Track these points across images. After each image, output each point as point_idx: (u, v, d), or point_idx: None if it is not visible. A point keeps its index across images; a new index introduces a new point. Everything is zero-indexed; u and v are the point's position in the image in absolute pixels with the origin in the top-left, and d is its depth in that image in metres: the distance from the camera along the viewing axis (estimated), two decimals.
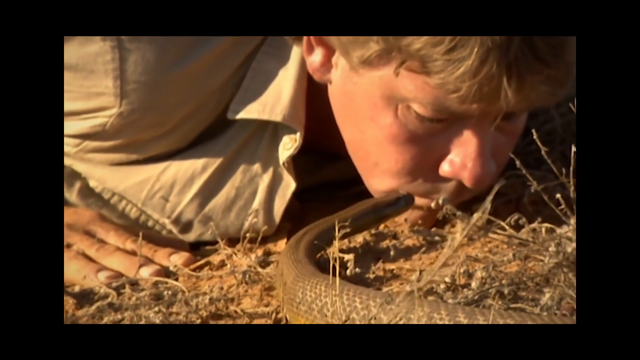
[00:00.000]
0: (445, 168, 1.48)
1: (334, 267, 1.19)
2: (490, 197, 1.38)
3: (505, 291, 1.29)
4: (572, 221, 1.32)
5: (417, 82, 1.41)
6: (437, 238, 1.48)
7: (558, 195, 1.31)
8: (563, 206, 1.31)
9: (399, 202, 1.48)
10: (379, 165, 1.50)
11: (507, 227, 1.43)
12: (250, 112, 1.54)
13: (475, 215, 1.20)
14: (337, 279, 1.15)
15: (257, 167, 1.58)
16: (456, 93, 1.39)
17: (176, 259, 1.51)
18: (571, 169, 1.29)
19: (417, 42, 1.37)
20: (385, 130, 1.47)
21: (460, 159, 1.46)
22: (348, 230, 1.37)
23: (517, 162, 1.41)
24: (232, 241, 1.57)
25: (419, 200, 1.50)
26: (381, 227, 1.57)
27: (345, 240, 1.51)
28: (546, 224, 1.44)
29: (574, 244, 1.29)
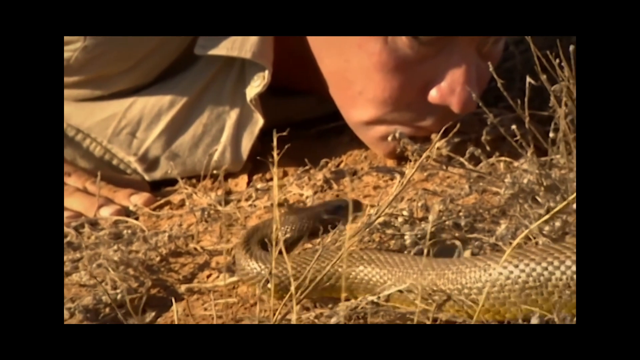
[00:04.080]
0: (433, 94, 1.48)
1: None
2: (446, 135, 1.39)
3: (462, 223, 1.30)
4: (529, 153, 1.33)
5: None
6: (395, 174, 1.49)
7: (513, 127, 1.31)
8: (518, 137, 1.31)
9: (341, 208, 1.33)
10: (363, 94, 1.49)
11: (465, 163, 1.45)
12: (219, 48, 1.53)
13: (427, 150, 1.20)
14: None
15: (224, 103, 1.57)
16: None
17: (136, 199, 1.50)
18: (526, 101, 1.29)
19: None
20: (374, 58, 1.46)
21: (449, 84, 1.46)
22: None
23: (474, 97, 1.42)
24: (193, 182, 1.58)
25: (403, 129, 1.50)
26: (342, 165, 1.58)
27: (305, 178, 1.52)
28: (504, 158, 1.46)
29: (529, 176, 1.30)
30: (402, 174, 1.48)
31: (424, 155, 1.15)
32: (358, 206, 1.30)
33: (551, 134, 1.30)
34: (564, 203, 1.08)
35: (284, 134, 1.13)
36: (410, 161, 1.52)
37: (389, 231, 1.32)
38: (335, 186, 1.49)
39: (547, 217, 1.06)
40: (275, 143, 1.07)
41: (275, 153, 1.06)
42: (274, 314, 1.06)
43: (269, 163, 1.12)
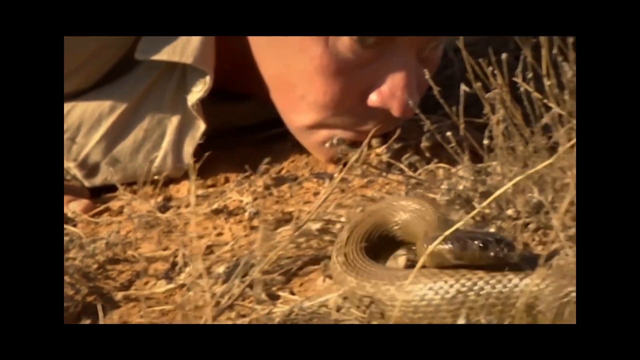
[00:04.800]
0: (373, 98, 1.48)
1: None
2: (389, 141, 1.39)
3: None
4: (465, 160, 1.34)
5: None
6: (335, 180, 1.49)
7: (449, 134, 1.32)
8: (453, 144, 1.33)
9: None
10: (305, 98, 1.50)
11: (405, 169, 1.46)
12: (161, 53, 1.52)
13: (354, 157, 1.21)
14: None
15: (165, 109, 1.56)
16: None
17: (75, 206, 1.50)
18: (460, 108, 1.30)
19: None
20: (315, 61, 1.47)
21: (389, 88, 1.47)
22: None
23: (411, 104, 1.43)
24: (134, 188, 1.57)
25: (344, 134, 1.50)
26: (283, 171, 1.58)
27: (246, 184, 1.52)
28: (443, 165, 1.47)
29: (465, 182, 1.32)
30: (342, 180, 1.49)
31: (353, 158, 1.16)
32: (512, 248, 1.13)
33: (485, 141, 1.31)
34: (486, 203, 1.09)
35: (200, 142, 1.13)
36: (352, 167, 1.53)
37: (327, 237, 1.33)
38: (275, 193, 1.50)
39: (464, 221, 1.07)
40: (192, 151, 1.06)
41: (192, 161, 1.06)
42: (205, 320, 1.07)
43: (188, 169, 1.11)
